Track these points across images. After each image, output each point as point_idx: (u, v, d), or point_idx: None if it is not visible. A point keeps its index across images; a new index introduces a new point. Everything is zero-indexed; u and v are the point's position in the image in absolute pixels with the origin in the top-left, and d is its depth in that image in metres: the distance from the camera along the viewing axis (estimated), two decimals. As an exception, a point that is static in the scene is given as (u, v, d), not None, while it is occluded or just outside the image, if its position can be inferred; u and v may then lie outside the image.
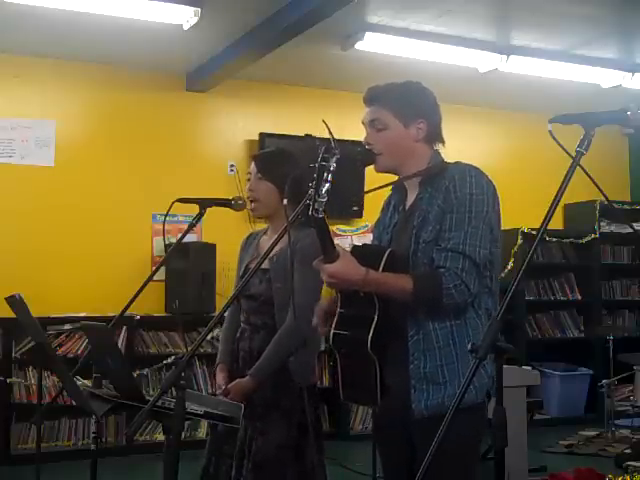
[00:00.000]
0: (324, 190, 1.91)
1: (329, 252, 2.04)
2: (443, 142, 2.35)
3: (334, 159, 1.93)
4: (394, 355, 2.16)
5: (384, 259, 2.14)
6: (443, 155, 2.35)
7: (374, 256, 2.15)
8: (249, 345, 2.92)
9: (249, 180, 2.99)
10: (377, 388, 2.13)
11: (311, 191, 1.91)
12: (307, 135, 6.38)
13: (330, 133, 1.96)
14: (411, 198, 2.32)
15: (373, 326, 2.09)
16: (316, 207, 1.91)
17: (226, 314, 3.10)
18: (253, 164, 3.00)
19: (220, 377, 2.95)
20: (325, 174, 1.92)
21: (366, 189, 6.94)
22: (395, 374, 2.16)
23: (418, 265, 2.18)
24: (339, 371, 2.22)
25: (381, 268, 2.13)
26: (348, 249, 2.16)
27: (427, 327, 2.17)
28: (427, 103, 2.32)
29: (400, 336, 2.19)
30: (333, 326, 2.18)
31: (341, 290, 2.19)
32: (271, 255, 2.78)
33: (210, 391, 6.08)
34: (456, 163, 2.27)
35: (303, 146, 6.02)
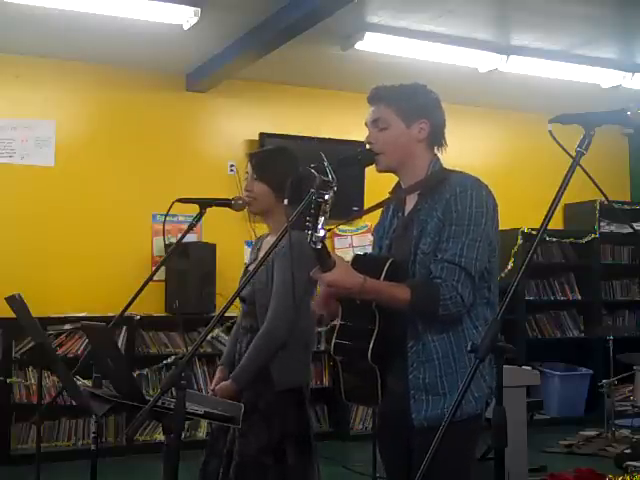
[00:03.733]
0: (320, 224, 1.94)
1: (325, 261, 2.05)
2: (445, 145, 2.34)
3: (331, 192, 1.95)
4: (394, 365, 2.18)
5: (385, 269, 2.16)
6: (443, 159, 2.34)
7: (375, 266, 2.17)
8: (240, 348, 2.95)
9: (246, 180, 3.00)
10: (378, 392, 2.16)
11: (308, 224, 1.95)
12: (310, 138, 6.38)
13: (327, 167, 1.98)
14: (410, 205, 2.32)
15: (373, 337, 2.12)
16: (314, 240, 1.95)
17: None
18: (249, 164, 3.01)
19: (215, 378, 3.00)
20: (321, 207, 1.95)
21: (366, 189, 6.92)
22: (395, 383, 2.19)
23: (416, 276, 2.19)
24: (340, 378, 2.25)
25: (382, 277, 2.15)
26: (349, 254, 2.18)
27: (426, 338, 2.18)
28: (430, 104, 2.31)
29: (400, 346, 2.20)
30: (334, 336, 2.21)
31: (341, 301, 2.21)
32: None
33: (210, 391, 6.08)
34: (458, 173, 2.26)
35: (304, 146, 6.03)
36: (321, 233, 1.94)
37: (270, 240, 2.98)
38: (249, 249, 3.38)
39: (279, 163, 2.94)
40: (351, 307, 2.18)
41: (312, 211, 1.94)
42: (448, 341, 2.18)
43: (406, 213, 2.33)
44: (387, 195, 2.44)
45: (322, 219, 1.95)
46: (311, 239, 1.94)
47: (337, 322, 2.23)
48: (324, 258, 2.04)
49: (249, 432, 2.77)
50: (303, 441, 2.83)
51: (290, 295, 2.63)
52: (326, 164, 1.99)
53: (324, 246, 2.00)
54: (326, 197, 1.95)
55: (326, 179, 1.97)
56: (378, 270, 2.14)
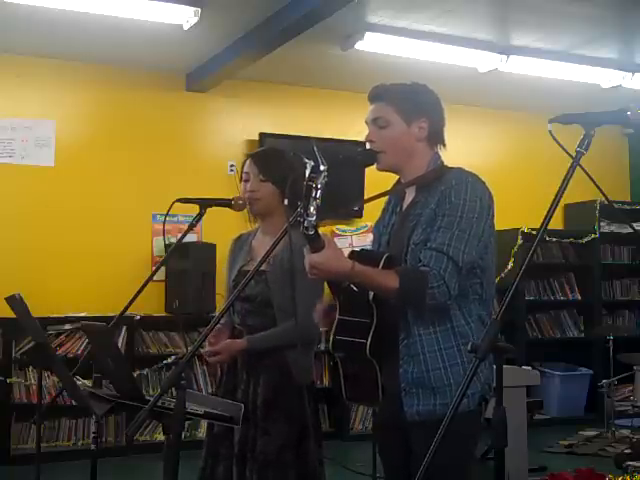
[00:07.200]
0: (312, 209, 1.92)
1: (315, 243, 2.03)
2: (444, 144, 2.35)
3: (321, 177, 1.94)
4: (389, 358, 2.19)
5: (381, 264, 2.15)
6: (443, 157, 2.35)
7: (372, 261, 2.16)
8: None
9: (247, 181, 2.96)
10: (379, 389, 2.17)
11: (300, 210, 1.93)
12: (308, 138, 6.38)
13: (317, 153, 1.98)
14: (408, 200, 2.33)
15: (371, 332, 2.12)
16: (306, 225, 1.92)
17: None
18: (250, 164, 2.96)
19: (214, 335, 2.85)
20: (313, 193, 1.93)
21: (366, 189, 6.92)
22: (389, 377, 2.19)
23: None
24: (341, 375, 2.25)
25: None
26: (346, 251, 2.17)
27: (414, 332, 2.19)
28: (430, 103, 2.32)
29: (394, 340, 2.21)
30: (333, 332, 2.21)
31: (339, 296, 2.21)
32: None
33: (210, 391, 6.08)
34: (456, 169, 2.27)
35: (303, 146, 6.02)
36: (312, 217, 1.91)
37: (265, 239, 2.95)
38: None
39: (282, 163, 2.93)
40: (348, 301, 2.18)
41: (303, 196, 1.93)
42: (435, 336, 2.17)
43: (404, 208, 2.34)
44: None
45: (314, 204, 1.92)
46: (303, 225, 1.92)
47: (335, 318, 2.22)
48: (317, 247, 2.01)
49: (271, 430, 2.77)
50: (318, 437, 2.85)
51: (314, 294, 2.58)
52: (315, 149, 1.98)
53: (317, 234, 1.97)
54: (316, 181, 1.93)
55: (315, 163, 1.95)
56: (374, 265, 2.14)
